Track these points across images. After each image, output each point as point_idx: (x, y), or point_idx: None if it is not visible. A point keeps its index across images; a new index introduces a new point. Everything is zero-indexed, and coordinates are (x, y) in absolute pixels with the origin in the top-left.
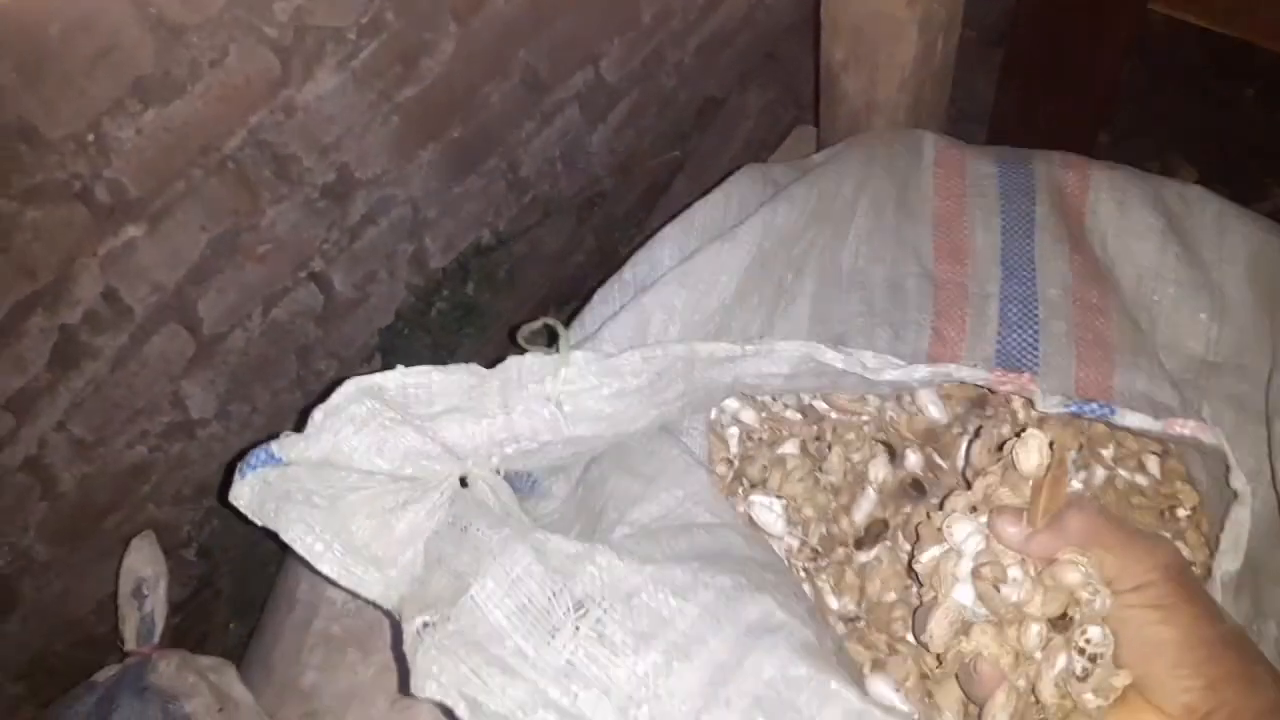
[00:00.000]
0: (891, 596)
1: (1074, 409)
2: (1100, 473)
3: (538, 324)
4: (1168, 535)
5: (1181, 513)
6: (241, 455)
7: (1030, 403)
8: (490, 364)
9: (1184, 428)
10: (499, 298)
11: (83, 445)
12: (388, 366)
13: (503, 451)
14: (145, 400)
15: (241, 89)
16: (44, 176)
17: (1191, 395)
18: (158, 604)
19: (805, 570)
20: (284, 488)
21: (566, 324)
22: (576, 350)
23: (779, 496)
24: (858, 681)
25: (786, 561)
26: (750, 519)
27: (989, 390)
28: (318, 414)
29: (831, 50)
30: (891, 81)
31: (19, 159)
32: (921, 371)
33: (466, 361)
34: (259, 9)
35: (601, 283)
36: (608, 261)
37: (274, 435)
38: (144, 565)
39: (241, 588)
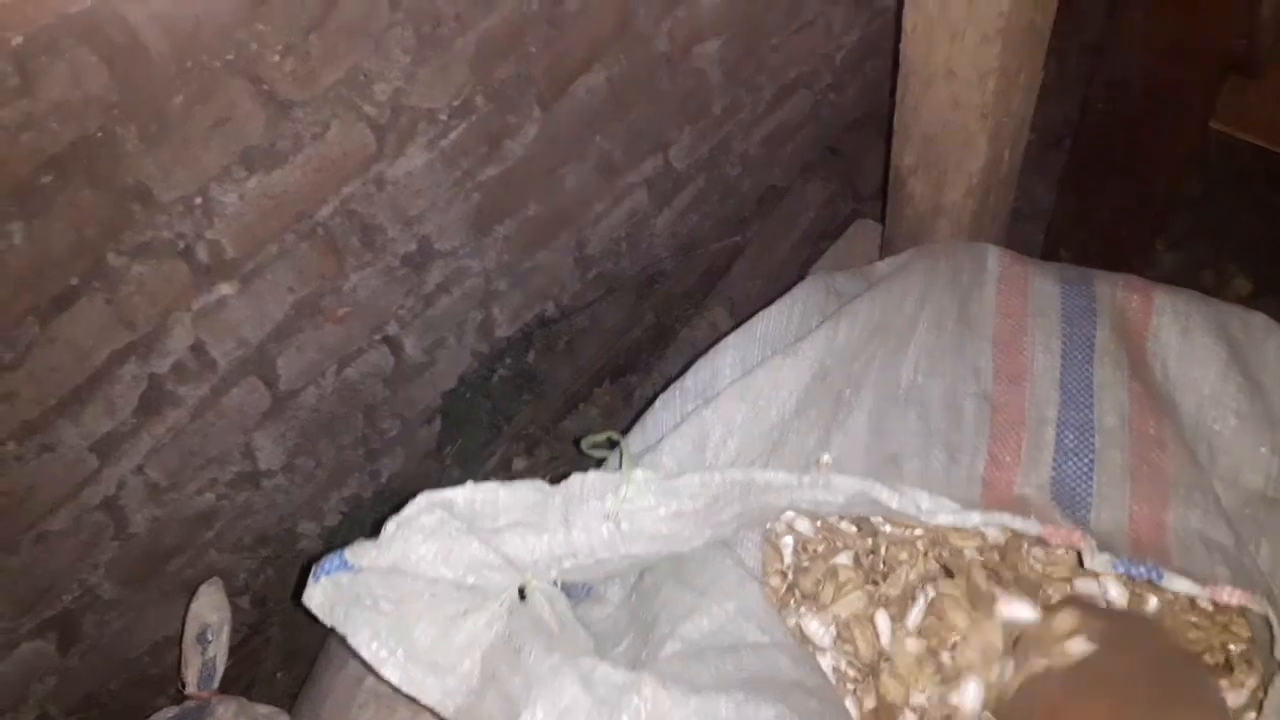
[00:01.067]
0: None
1: (1122, 569)
2: (1154, 601)
3: (602, 437)
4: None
5: (1233, 648)
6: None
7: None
8: (544, 429)
9: (1230, 597)
10: (557, 367)
11: (157, 489)
12: (446, 428)
13: (560, 565)
14: (218, 449)
15: (338, 161)
16: (153, 234)
17: (1249, 531)
18: (220, 650)
19: (852, 686)
20: (354, 592)
21: (620, 400)
22: (638, 469)
23: (829, 625)
24: None
25: (833, 678)
26: (800, 631)
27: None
28: (391, 525)
29: (902, 155)
30: (959, 188)
31: (132, 217)
32: (975, 518)
33: (523, 427)
34: (361, 88)
35: (655, 358)
36: (664, 337)
37: (333, 490)
38: (210, 611)
39: (291, 637)
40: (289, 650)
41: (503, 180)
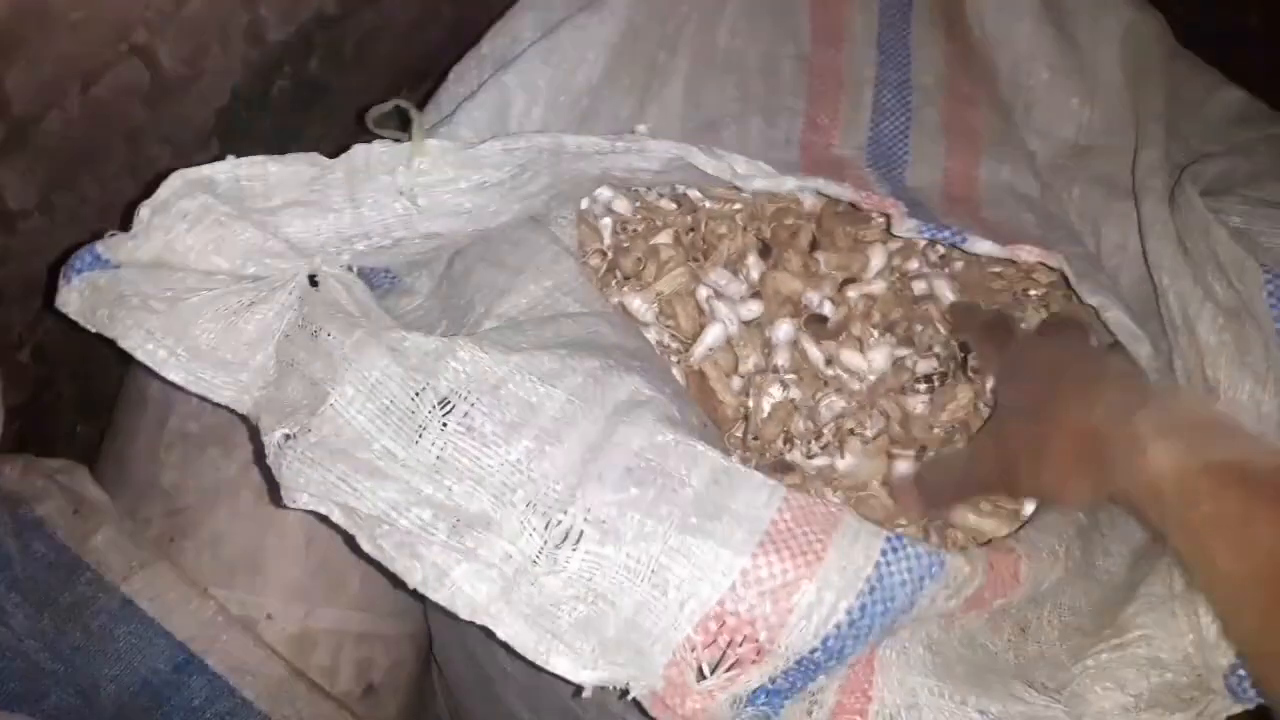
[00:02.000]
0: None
1: (928, 235)
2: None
3: (388, 106)
4: (1019, 312)
5: (1033, 293)
6: (68, 255)
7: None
8: (338, 151)
9: (1029, 255)
10: (346, 76)
11: None
12: (226, 152)
13: (353, 248)
14: None
15: None
16: None
17: (1061, 180)
18: None
19: (675, 359)
20: (116, 291)
21: (421, 106)
22: (431, 139)
23: (652, 302)
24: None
25: (657, 349)
26: (623, 308)
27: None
28: (144, 210)
29: None
30: None
31: None
32: (790, 183)
33: (314, 148)
34: None
35: (458, 58)
36: (465, 35)
37: (105, 227)
38: None
39: (85, 389)
40: (85, 403)
41: None
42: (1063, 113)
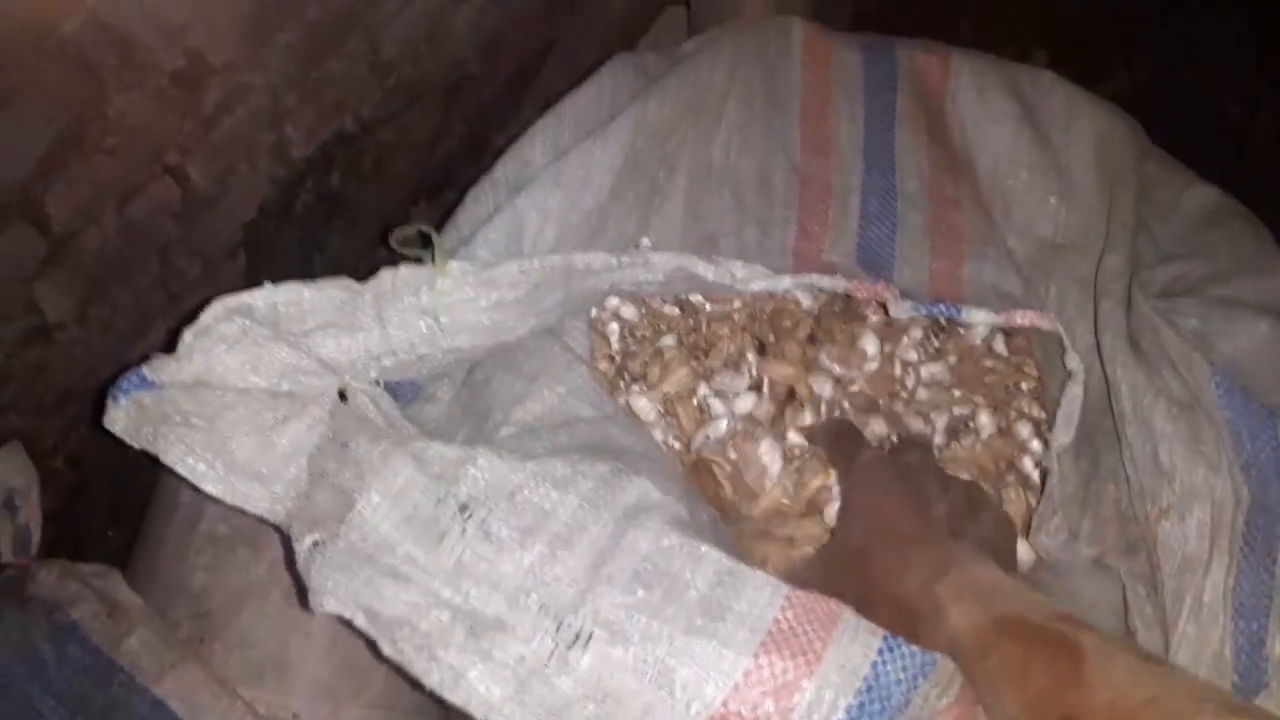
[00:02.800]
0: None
1: (924, 311)
2: (953, 358)
3: (411, 229)
4: (1013, 409)
5: (1025, 385)
6: (113, 376)
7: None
8: (360, 257)
9: (1023, 318)
10: (366, 189)
11: None
12: (253, 263)
13: (380, 364)
14: None
15: None
16: None
17: (1039, 277)
18: (32, 514)
19: (676, 459)
20: (160, 410)
21: (440, 221)
22: (452, 261)
23: (656, 402)
24: (730, 548)
25: (665, 447)
26: (630, 409)
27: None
28: (187, 335)
29: None
30: None
31: None
32: (785, 282)
33: (337, 258)
34: None
35: (473, 172)
36: (479, 150)
37: (138, 338)
38: (13, 475)
39: (118, 494)
40: (117, 507)
41: None
42: (1041, 211)
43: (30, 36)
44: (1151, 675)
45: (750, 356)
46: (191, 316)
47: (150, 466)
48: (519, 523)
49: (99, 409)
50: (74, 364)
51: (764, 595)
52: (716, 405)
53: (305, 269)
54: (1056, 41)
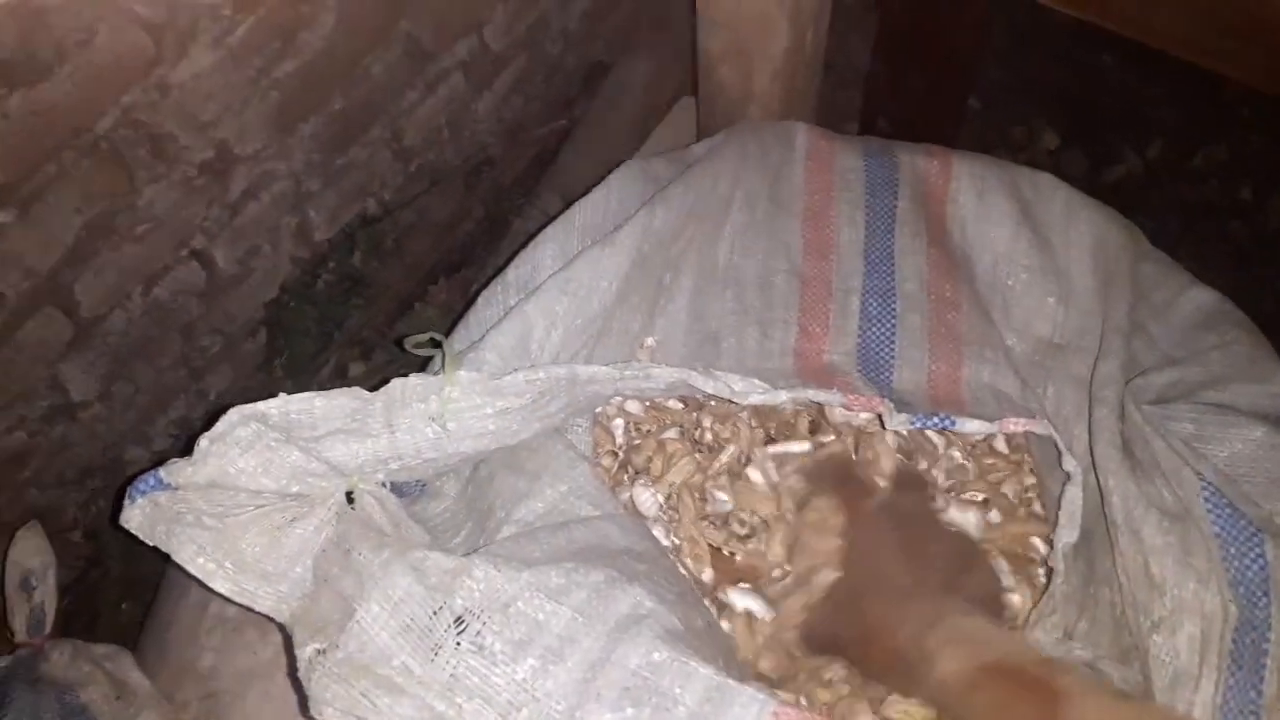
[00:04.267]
0: None
1: (918, 424)
2: (956, 456)
3: (424, 337)
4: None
5: (1026, 482)
6: (122, 441)
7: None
8: (379, 333)
9: (1016, 426)
10: (386, 268)
11: None
12: (273, 340)
13: (388, 467)
14: (22, 385)
15: (112, 68)
16: None
17: (1038, 377)
18: (47, 594)
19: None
20: (174, 510)
21: (458, 298)
22: (460, 371)
23: (656, 494)
24: (730, 655)
25: (666, 542)
26: (633, 504)
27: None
28: (203, 441)
29: (708, 43)
30: (765, 73)
31: None
32: (782, 396)
33: (355, 334)
34: None
35: (490, 252)
36: (496, 230)
37: (159, 414)
38: (31, 556)
39: (132, 567)
40: (130, 580)
41: (302, 75)
42: (1040, 311)
43: (66, 133)
44: (1128, 709)
45: (758, 452)
46: (209, 423)
47: None
48: (512, 635)
49: (118, 483)
50: (96, 440)
51: (751, 712)
52: (720, 495)
53: (324, 345)
54: (1066, 122)
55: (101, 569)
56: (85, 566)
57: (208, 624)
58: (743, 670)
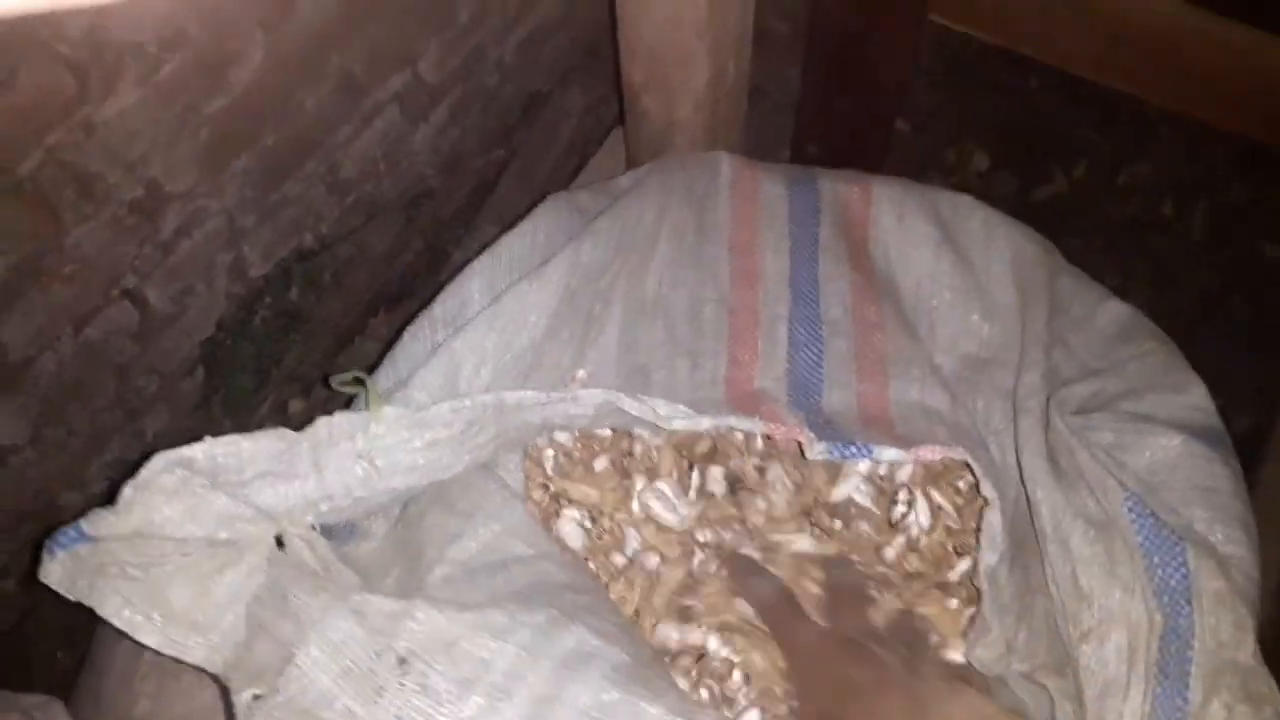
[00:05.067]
0: None
1: (836, 454)
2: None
3: (349, 375)
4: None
5: (954, 502)
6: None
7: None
8: (316, 368)
9: (932, 454)
10: (324, 302)
11: None
12: (210, 378)
13: (317, 509)
14: None
15: (35, 108)
16: None
17: (967, 392)
18: None
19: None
20: (96, 562)
21: (398, 330)
22: (386, 406)
23: (582, 505)
24: (672, 688)
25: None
26: (560, 536)
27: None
28: (127, 490)
29: (631, 72)
30: (687, 104)
31: None
32: (706, 422)
33: (293, 370)
34: (51, 25)
35: (430, 283)
36: (437, 261)
37: (94, 455)
38: None
39: (68, 615)
40: (68, 628)
41: (232, 111)
42: (965, 328)
43: None
44: None
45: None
46: (134, 470)
47: None
48: (457, 674)
49: (53, 528)
50: (27, 485)
51: None
52: (656, 507)
53: (263, 382)
54: (996, 144)
55: (36, 618)
56: (20, 617)
57: (143, 670)
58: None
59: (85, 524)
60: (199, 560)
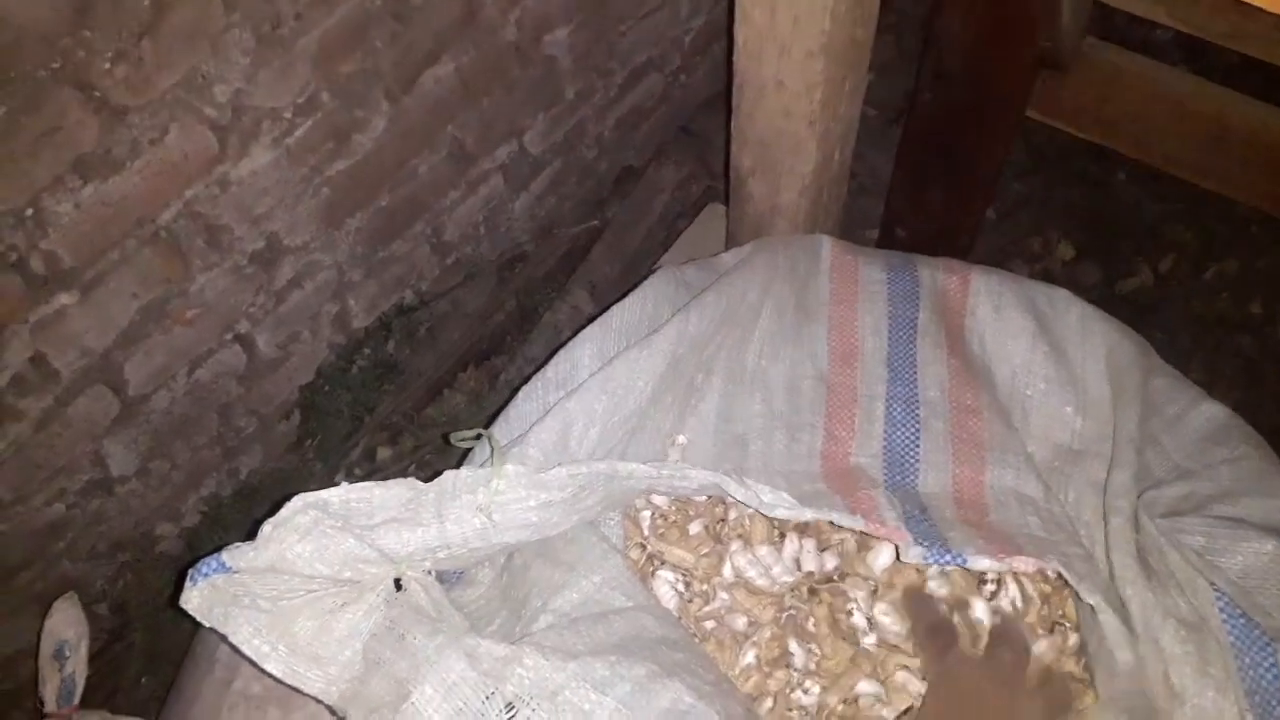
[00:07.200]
0: None
1: (933, 560)
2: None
3: (472, 433)
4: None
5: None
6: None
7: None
8: (407, 418)
9: (1025, 564)
10: (419, 355)
11: (1, 504)
12: (305, 422)
13: (435, 556)
14: (67, 459)
15: (179, 165)
16: None
17: (1059, 482)
18: (79, 666)
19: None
20: (231, 593)
21: (486, 385)
22: (508, 465)
23: (677, 567)
24: None
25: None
26: (655, 596)
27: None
28: (267, 527)
29: (740, 158)
30: (793, 189)
31: None
32: (808, 514)
33: (386, 419)
34: (200, 91)
35: (520, 340)
36: (527, 320)
37: (190, 491)
38: (66, 628)
39: (154, 641)
40: (152, 654)
41: (352, 174)
42: (1058, 419)
43: (130, 223)
44: None
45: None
46: (274, 510)
47: (187, 618)
48: None
49: (146, 557)
50: (129, 514)
51: None
52: (751, 572)
53: (354, 429)
54: (1081, 236)
55: (125, 642)
56: (109, 639)
57: (230, 700)
58: None
59: (226, 556)
60: (323, 597)
